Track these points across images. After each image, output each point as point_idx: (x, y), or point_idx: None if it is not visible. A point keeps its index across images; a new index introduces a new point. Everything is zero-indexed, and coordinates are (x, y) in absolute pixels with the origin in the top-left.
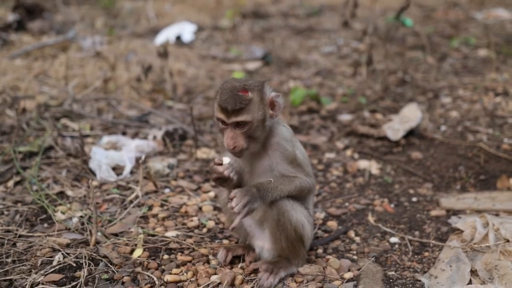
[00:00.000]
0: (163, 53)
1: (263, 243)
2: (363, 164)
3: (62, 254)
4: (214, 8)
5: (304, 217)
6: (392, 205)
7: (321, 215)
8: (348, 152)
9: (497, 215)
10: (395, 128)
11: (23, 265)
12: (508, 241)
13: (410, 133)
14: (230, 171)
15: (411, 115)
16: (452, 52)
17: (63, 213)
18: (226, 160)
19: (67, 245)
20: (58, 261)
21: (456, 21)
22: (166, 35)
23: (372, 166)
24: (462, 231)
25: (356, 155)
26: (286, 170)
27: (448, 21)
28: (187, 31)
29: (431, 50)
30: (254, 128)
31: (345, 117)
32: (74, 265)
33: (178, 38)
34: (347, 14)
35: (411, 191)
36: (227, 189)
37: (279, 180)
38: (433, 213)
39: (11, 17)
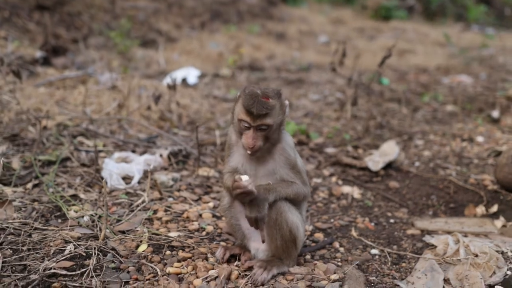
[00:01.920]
0: (172, 86)
1: (258, 245)
2: (346, 189)
3: (74, 245)
4: (216, 59)
5: (299, 220)
6: (373, 224)
7: (309, 227)
8: (333, 179)
9: (465, 236)
10: (375, 160)
11: (37, 253)
12: (477, 255)
13: (388, 166)
14: (253, 186)
15: (389, 150)
16: (423, 105)
17: (75, 211)
18: (245, 177)
19: (79, 238)
20: (70, 251)
21: (426, 83)
22: (174, 77)
23: (354, 191)
24: (435, 246)
25: (340, 182)
26: (287, 175)
27: (419, 82)
28: (192, 74)
29: (405, 103)
30: (273, 131)
31: (330, 150)
32: (84, 254)
33: (184, 80)
34: (336, 62)
35: (389, 214)
36: (243, 202)
37: (279, 183)
38: (409, 231)
39: (38, 54)
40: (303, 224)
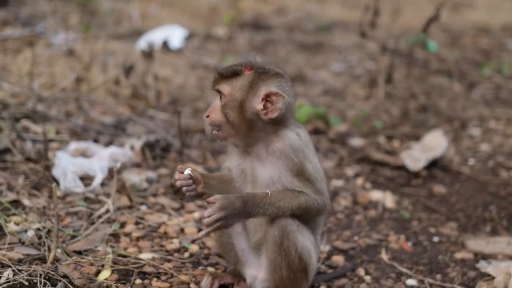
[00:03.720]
0: (148, 53)
1: (256, 272)
2: (376, 195)
3: (13, 270)
4: (208, 15)
5: (311, 243)
6: (410, 243)
7: (325, 248)
8: (359, 181)
9: None
10: (415, 157)
11: None
12: None
13: (433, 164)
14: (184, 184)
15: (434, 143)
16: (482, 80)
17: (16, 224)
18: (188, 171)
19: (19, 261)
20: (7, 279)
21: (488, 48)
22: (152, 39)
23: (386, 199)
24: (493, 277)
25: (368, 185)
26: (291, 183)
27: (478, 48)
28: (176, 36)
29: (458, 77)
30: (229, 108)
31: (356, 142)
32: (27, 283)
33: (165, 43)
34: (366, 23)
35: (432, 229)
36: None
37: (279, 194)
38: (458, 255)
39: None
40: (316, 248)
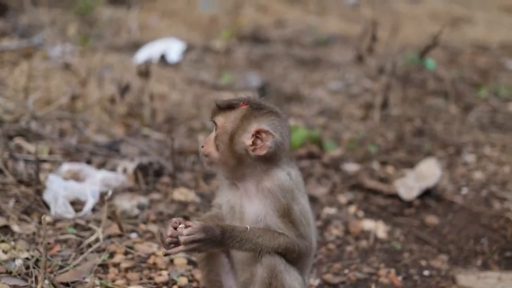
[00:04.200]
0: (145, 72)
1: None
2: (368, 224)
3: None
4: (207, 26)
5: (298, 284)
6: (400, 278)
7: (315, 282)
8: (352, 209)
9: None
10: (409, 185)
11: None
12: None
13: (426, 193)
14: (170, 245)
15: (428, 172)
16: (479, 102)
17: (5, 252)
18: (181, 228)
19: None
20: None
21: (485, 68)
22: (149, 52)
23: (378, 228)
24: None
25: (360, 213)
26: (274, 223)
27: (476, 66)
28: (173, 49)
29: (454, 98)
30: (220, 139)
31: (350, 167)
32: None
33: (163, 57)
34: (363, 48)
35: (423, 262)
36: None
37: (259, 231)
38: None
39: None
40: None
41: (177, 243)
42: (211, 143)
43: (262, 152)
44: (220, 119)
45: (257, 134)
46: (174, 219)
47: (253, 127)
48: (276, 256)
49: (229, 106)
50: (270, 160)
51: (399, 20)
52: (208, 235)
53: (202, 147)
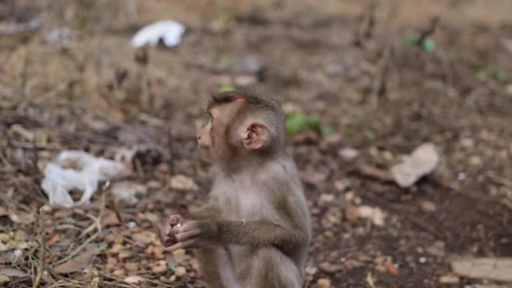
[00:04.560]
0: (142, 58)
1: None
2: (365, 211)
3: None
4: (206, 7)
5: (295, 275)
6: (396, 265)
7: (311, 270)
8: (349, 195)
9: None
10: (406, 172)
11: None
12: None
13: (423, 180)
14: (168, 242)
15: (425, 158)
16: (477, 85)
17: (4, 242)
18: (178, 225)
19: (5, 284)
20: None
21: (484, 49)
22: (147, 36)
23: (375, 215)
24: None
25: (357, 200)
26: (270, 215)
27: (475, 48)
28: (171, 32)
29: (453, 81)
30: (216, 131)
31: (348, 153)
32: None
33: (161, 40)
34: (361, 33)
35: (420, 249)
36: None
37: (255, 225)
38: (444, 279)
39: None
40: (300, 278)
41: (174, 241)
42: (207, 135)
43: (257, 145)
44: (216, 111)
45: (253, 128)
46: (172, 217)
47: (249, 120)
48: (272, 248)
49: (225, 99)
50: (265, 153)
51: (398, 0)
52: (204, 230)
53: (199, 138)
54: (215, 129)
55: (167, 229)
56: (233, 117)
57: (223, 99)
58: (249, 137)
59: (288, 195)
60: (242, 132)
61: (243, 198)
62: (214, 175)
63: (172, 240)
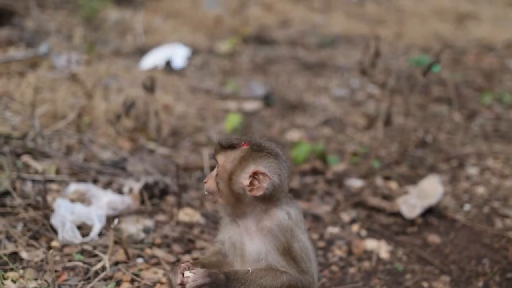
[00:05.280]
0: (150, 87)
1: None
2: (371, 244)
3: None
4: (212, 27)
5: None
6: None
7: None
8: (355, 227)
9: None
10: (411, 203)
11: None
12: None
13: (428, 211)
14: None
15: (431, 189)
16: (482, 109)
17: (14, 281)
18: (187, 273)
19: None
20: None
21: (490, 70)
22: (154, 59)
23: (381, 248)
24: None
25: (363, 232)
26: (276, 262)
27: (480, 68)
28: (178, 55)
29: (458, 105)
30: (220, 177)
31: (354, 183)
32: None
33: (168, 63)
34: (366, 62)
35: (425, 284)
36: None
37: (261, 272)
38: None
39: None
40: None
41: None
42: (213, 181)
43: (259, 193)
44: (221, 158)
45: (254, 175)
46: (182, 265)
47: (251, 168)
48: None
49: (230, 146)
50: (268, 200)
51: (403, 17)
52: (212, 279)
53: (205, 182)
54: (220, 175)
55: (178, 279)
56: (236, 164)
57: (228, 146)
58: (251, 184)
59: (293, 241)
60: (244, 179)
61: (248, 243)
62: (220, 219)
63: None
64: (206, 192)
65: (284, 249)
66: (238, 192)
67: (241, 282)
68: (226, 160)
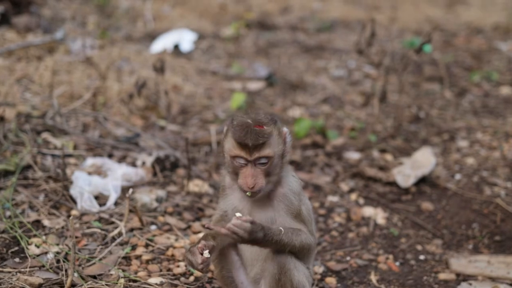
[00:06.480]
0: (160, 68)
1: None
2: (368, 211)
3: None
4: (217, 13)
5: (306, 278)
6: (398, 263)
7: (319, 269)
8: (353, 196)
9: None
10: (405, 173)
11: None
12: None
13: (422, 180)
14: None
15: (424, 160)
16: (472, 87)
17: (37, 246)
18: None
19: (40, 286)
20: None
21: (478, 51)
22: (164, 43)
23: (378, 215)
24: None
25: (361, 200)
26: (289, 224)
27: (470, 50)
28: (186, 39)
29: (449, 83)
30: (275, 165)
31: (352, 155)
32: None
33: (176, 46)
34: (363, 42)
35: (419, 247)
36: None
37: (288, 232)
38: (442, 276)
39: None
40: (310, 280)
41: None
42: (261, 176)
43: (289, 150)
44: (269, 151)
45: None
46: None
47: (283, 134)
48: (286, 254)
49: (266, 137)
50: (285, 164)
51: (397, 3)
52: (251, 237)
53: (252, 188)
54: (274, 163)
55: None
56: (278, 141)
57: (266, 139)
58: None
59: (301, 203)
60: (284, 147)
61: (258, 210)
62: (220, 190)
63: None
64: (256, 191)
65: (296, 212)
66: (284, 161)
67: (275, 232)
68: (273, 147)
